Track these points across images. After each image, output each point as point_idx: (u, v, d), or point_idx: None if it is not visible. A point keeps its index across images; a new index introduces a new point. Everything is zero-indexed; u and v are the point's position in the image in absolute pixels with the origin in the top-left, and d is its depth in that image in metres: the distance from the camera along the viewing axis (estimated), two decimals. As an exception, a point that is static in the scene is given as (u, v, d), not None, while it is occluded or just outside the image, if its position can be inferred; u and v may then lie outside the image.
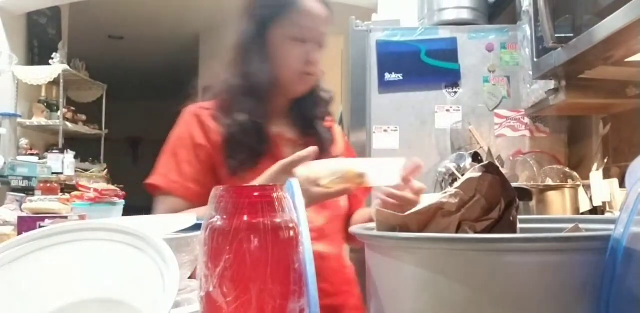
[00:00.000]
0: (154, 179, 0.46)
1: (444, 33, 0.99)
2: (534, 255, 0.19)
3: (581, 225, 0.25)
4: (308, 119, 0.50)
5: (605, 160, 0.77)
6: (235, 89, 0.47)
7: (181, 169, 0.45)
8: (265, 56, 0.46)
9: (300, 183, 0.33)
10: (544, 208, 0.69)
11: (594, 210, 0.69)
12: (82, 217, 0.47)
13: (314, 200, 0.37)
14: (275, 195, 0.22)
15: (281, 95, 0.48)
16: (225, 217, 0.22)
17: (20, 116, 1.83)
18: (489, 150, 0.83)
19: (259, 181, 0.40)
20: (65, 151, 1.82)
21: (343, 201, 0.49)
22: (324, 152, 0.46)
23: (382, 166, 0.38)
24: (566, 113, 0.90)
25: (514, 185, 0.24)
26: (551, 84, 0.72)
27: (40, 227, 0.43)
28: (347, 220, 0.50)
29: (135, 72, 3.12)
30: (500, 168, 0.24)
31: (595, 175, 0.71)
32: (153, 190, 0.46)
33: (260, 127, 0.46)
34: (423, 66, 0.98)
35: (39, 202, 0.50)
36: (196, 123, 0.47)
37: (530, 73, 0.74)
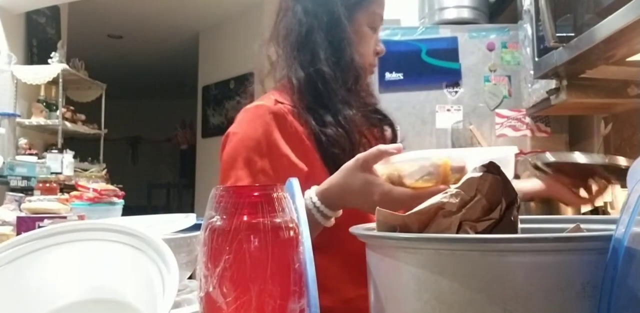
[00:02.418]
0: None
1: (445, 32, 0.99)
2: (535, 255, 0.19)
3: (582, 225, 0.25)
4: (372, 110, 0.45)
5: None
6: (327, 80, 0.41)
7: (258, 181, 0.39)
8: (354, 44, 0.42)
9: (381, 184, 0.29)
10: (545, 208, 0.69)
11: (595, 210, 0.69)
12: (81, 217, 0.47)
13: (398, 204, 0.30)
14: (275, 195, 0.22)
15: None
16: (225, 217, 0.22)
17: (19, 116, 1.82)
18: (489, 150, 0.83)
19: (332, 179, 0.34)
20: (65, 151, 1.81)
21: None
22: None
23: (488, 157, 0.26)
24: (567, 112, 0.90)
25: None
26: (552, 84, 0.72)
27: (39, 227, 0.43)
28: None
29: (134, 72, 3.11)
30: (501, 168, 0.23)
31: (596, 174, 0.71)
32: None
33: (357, 125, 0.42)
34: (423, 65, 0.97)
35: (37, 202, 0.49)
36: (275, 126, 0.40)
37: (531, 72, 0.74)
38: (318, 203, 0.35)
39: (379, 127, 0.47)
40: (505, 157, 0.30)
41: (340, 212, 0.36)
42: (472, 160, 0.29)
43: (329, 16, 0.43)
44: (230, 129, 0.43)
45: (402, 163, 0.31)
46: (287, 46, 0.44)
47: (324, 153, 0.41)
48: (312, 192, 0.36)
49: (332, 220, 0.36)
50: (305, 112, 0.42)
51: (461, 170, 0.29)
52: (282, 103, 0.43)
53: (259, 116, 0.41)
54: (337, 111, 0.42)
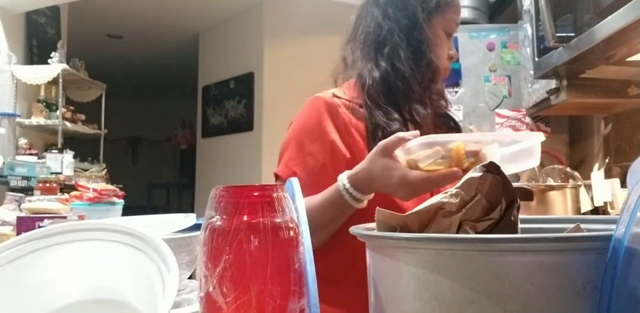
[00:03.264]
0: (279, 170, 0.45)
1: (444, 32, 0.99)
2: (535, 255, 0.19)
3: (582, 225, 0.24)
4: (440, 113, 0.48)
5: (607, 160, 0.77)
6: (406, 78, 0.44)
7: (306, 162, 0.43)
8: (432, 46, 0.46)
9: (398, 168, 0.31)
10: (545, 208, 0.69)
11: (595, 210, 0.69)
12: (81, 217, 0.47)
13: (413, 187, 0.32)
14: (275, 195, 0.22)
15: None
16: (224, 217, 0.22)
17: (19, 116, 1.82)
18: (489, 150, 0.82)
19: (360, 165, 0.37)
20: (65, 151, 1.81)
21: None
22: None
23: (516, 145, 0.27)
24: (567, 112, 0.90)
25: (515, 185, 0.24)
26: (552, 84, 0.72)
27: (39, 227, 0.43)
28: None
29: (134, 72, 3.11)
30: (501, 168, 0.23)
31: (597, 175, 0.71)
32: (277, 178, 0.45)
33: (428, 124, 0.45)
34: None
35: (37, 202, 0.49)
36: (328, 116, 0.44)
37: (531, 72, 0.75)
38: (348, 185, 0.38)
39: (444, 131, 0.49)
40: (531, 147, 0.30)
41: (371, 195, 0.39)
42: (489, 145, 0.29)
43: (409, 19, 0.46)
44: (292, 118, 0.48)
45: (420, 149, 0.32)
46: (365, 47, 0.48)
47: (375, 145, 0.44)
48: (344, 175, 0.39)
49: (364, 203, 0.39)
50: (368, 107, 0.45)
51: (476, 154, 0.30)
52: (338, 97, 0.46)
53: (315, 106, 0.46)
54: (411, 109, 0.45)
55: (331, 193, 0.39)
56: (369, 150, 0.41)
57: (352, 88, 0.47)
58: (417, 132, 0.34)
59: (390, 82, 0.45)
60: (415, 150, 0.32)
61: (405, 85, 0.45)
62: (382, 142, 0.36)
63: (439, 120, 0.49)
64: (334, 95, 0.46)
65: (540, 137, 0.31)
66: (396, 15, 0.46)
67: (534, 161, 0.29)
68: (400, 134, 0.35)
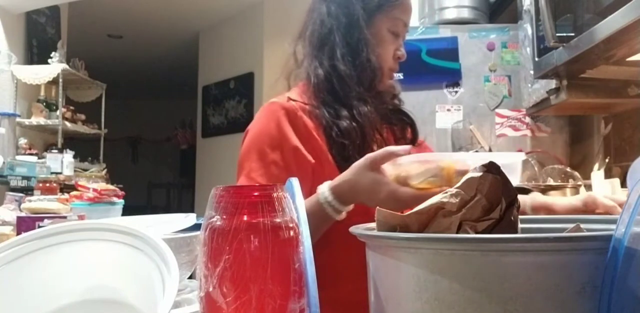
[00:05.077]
0: (241, 182, 0.42)
1: (445, 32, 0.99)
2: (535, 255, 0.19)
3: (582, 225, 0.24)
4: (391, 112, 0.47)
5: (607, 160, 0.77)
6: (343, 77, 0.43)
7: (270, 172, 0.41)
8: (371, 46, 0.44)
9: (387, 183, 0.31)
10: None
11: (595, 210, 0.69)
12: (81, 217, 0.47)
13: (402, 203, 0.32)
14: (275, 194, 0.22)
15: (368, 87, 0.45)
16: (224, 216, 0.22)
17: (19, 115, 1.82)
18: (490, 150, 0.83)
19: (343, 176, 0.36)
20: (65, 151, 1.81)
21: None
22: (415, 145, 0.44)
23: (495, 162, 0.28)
24: (567, 112, 0.90)
25: (515, 184, 0.24)
26: (552, 83, 0.72)
27: (39, 227, 0.43)
28: None
29: (134, 72, 3.11)
30: (501, 168, 0.23)
31: (597, 174, 0.71)
32: None
33: (372, 121, 0.43)
34: (423, 65, 0.97)
35: (38, 202, 0.49)
36: (287, 121, 0.43)
37: (531, 72, 0.75)
38: (330, 197, 0.37)
39: (400, 126, 0.49)
40: (513, 164, 0.31)
41: (351, 206, 0.38)
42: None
43: (348, 18, 0.45)
44: (249, 126, 0.45)
45: (409, 165, 0.32)
46: (310, 45, 0.47)
47: (333, 145, 0.43)
48: (325, 186, 0.38)
49: (343, 214, 0.38)
50: (319, 107, 0.44)
51: (465, 174, 0.30)
52: (295, 100, 0.45)
53: (271, 112, 0.44)
54: (352, 106, 0.44)
55: (309, 204, 0.37)
56: (331, 152, 0.41)
57: (305, 90, 0.45)
58: (408, 147, 0.34)
59: (332, 81, 0.44)
60: (405, 165, 0.32)
61: (344, 84, 0.44)
62: (370, 155, 0.35)
63: (394, 117, 0.48)
64: (289, 99, 0.44)
65: (521, 156, 0.32)
66: (337, 13, 0.45)
67: (514, 179, 0.29)
68: (390, 149, 0.34)
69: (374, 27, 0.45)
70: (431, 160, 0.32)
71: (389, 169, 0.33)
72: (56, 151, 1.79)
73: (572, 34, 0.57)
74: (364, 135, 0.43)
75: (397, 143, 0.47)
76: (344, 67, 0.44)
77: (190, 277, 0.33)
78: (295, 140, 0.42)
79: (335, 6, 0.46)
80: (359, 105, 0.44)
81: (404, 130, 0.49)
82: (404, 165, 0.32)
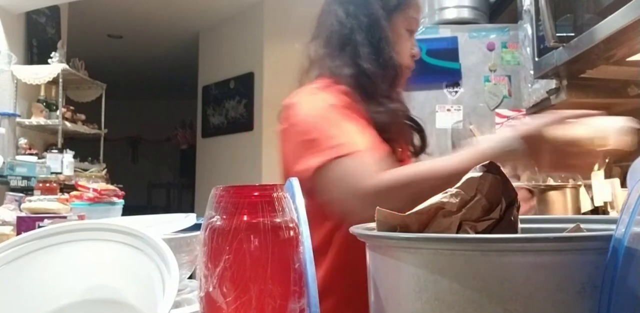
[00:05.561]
0: (346, 149, 0.38)
1: (445, 32, 0.99)
2: (535, 255, 0.19)
3: (582, 225, 0.24)
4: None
5: (607, 160, 0.77)
6: (369, 75, 0.44)
7: (365, 132, 0.40)
8: (391, 44, 0.46)
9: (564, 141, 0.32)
10: (545, 208, 0.68)
11: (596, 210, 0.69)
12: (81, 217, 0.47)
13: (576, 160, 0.34)
14: (275, 194, 0.22)
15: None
16: (224, 216, 0.22)
17: (19, 115, 1.82)
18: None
19: (527, 131, 0.36)
20: (65, 151, 1.81)
21: None
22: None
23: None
24: (567, 112, 0.90)
25: (515, 184, 0.24)
26: (552, 83, 0.72)
27: (39, 227, 0.43)
28: None
29: (134, 72, 3.11)
30: (501, 168, 0.24)
31: (597, 175, 0.71)
32: (321, 168, 0.38)
33: (401, 117, 0.46)
34: (424, 65, 0.97)
35: (38, 202, 0.50)
36: (349, 98, 0.43)
37: (531, 72, 0.74)
38: (521, 146, 0.36)
39: (409, 132, 0.50)
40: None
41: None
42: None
43: (369, 18, 0.46)
44: (292, 100, 0.44)
45: (601, 126, 0.35)
46: (327, 46, 0.47)
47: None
48: (511, 134, 0.37)
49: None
50: (362, 99, 0.45)
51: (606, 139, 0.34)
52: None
53: (327, 86, 0.44)
54: (380, 103, 0.45)
55: (471, 156, 0.35)
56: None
57: (329, 85, 0.45)
58: (581, 111, 0.35)
59: (358, 79, 0.45)
60: (598, 127, 0.34)
61: (371, 82, 0.45)
62: (562, 113, 0.36)
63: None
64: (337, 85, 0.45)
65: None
66: (357, 13, 0.46)
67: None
68: (586, 112, 0.35)
69: (393, 26, 0.47)
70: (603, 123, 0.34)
71: (558, 132, 0.35)
72: (56, 151, 1.79)
73: (572, 34, 0.57)
74: (399, 130, 0.44)
75: (404, 150, 0.48)
76: (369, 65, 0.45)
77: (190, 277, 0.33)
78: (358, 113, 0.42)
79: (354, 7, 0.46)
80: (387, 102, 0.45)
81: (412, 136, 0.50)
82: (571, 128, 0.34)
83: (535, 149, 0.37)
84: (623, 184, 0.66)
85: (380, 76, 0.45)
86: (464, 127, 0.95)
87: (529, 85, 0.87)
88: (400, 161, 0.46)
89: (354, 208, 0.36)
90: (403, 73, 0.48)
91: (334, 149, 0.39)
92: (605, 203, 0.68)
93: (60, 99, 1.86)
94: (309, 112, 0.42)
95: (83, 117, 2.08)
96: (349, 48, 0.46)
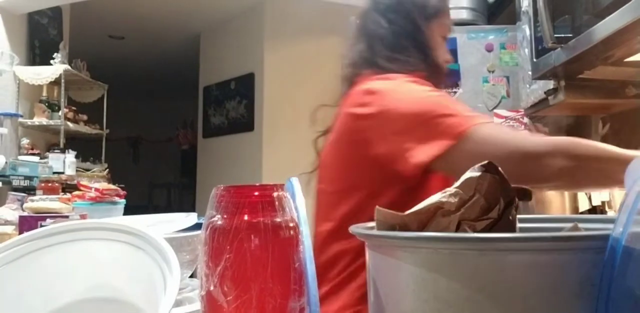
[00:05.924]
0: (470, 122, 0.38)
1: (444, 33, 0.99)
2: (533, 255, 0.19)
3: (580, 225, 0.25)
4: None
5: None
6: (423, 77, 0.46)
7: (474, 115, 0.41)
8: (434, 50, 0.49)
9: None
10: (543, 208, 0.68)
11: (593, 210, 0.69)
12: (83, 217, 0.48)
13: None
14: (275, 194, 0.22)
15: None
16: (225, 216, 0.22)
17: (21, 116, 1.82)
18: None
19: None
20: (67, 151, 1.81)
21: None
22: None
23: None
24: (565, 113, 0.90)
25: (513, 184, 0.24)
26: (550, 84, 0.72)
27: (41, 226, 0.43)
28: None
29: (136, 72, 3.12)
30: (499, 168, 0.24)
31: (596, 175, 0.70)
32: (465, 133, 0.38)
33: None
34: (423, 66, 0.97)
35: (40, 202, 0.50)
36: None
37: (530, 73, 0.74)
38: None
39: None
40: None
41: None
42: None
43: (412, 24, 0.49)
44: (376, 86, 0.44)
45: None
46: (374, 51, 0.49)
47: None
48: None
49: None
50: None
51: None
52: None
53: (414, 80, 0.45)
54: None
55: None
56: None
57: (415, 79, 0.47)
58: None
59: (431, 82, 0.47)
60: None
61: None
62: None
63: None
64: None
65: None
66: (399, 21, 0.49)
67: None
68: None
69: (431, 33, 0.50)
70: None
71: None
72: (58, 151, 1.80)
73: (570, 35, 0.57)
74: None
75: None
76: (419, 67, 0.48)
77: (192, 276, 0.34)
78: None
79: (395, 15, 0.49)
80: None
81: None
82: None
83: None
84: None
85: (428, 79, 0.47)
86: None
87: (527, 86, 0.88)
88: None
89: (515, 167, 0.35)
90: (444, 77, 0.50)
91: (473, 117, 0.40)
92: (603, 202, 0.68)
93: (62, 100, 1.86)
94: (419, 95, 0.42)
95: (85, 117, 2.09)
96: (396, 54, 0.48)
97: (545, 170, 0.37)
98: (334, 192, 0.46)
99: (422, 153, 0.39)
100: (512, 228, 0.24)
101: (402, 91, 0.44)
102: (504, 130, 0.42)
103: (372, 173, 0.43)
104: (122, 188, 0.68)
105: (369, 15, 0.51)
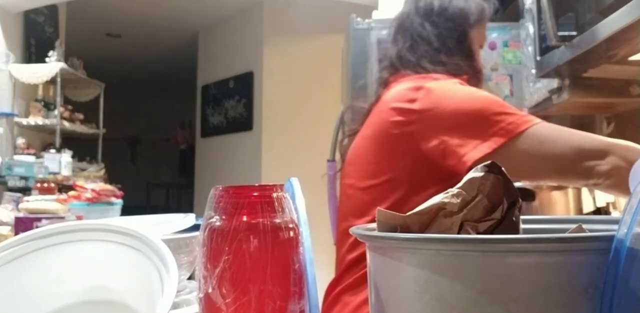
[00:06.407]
0: (525, 121, 0.42)
1: (445, 31, 0.99)
2: (536, 256, 0.19)
3: (584, 226, 0.24)
4: None
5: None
6: (467, 80, 0.48)
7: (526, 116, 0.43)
8: (475, 56, 0.51)
9: None
10: (547, 209, 0.68)
11: (598, 211, 0.68)
12: (79, 217, 0.47)
13: None
14: (274, 195, 0.22)
15: None
16: (224, 217, 0.21)
17: (17, 115, 1.81)
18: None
19: None
20: (63, 150, 1.81)
21: None
22: None
23: None
24: (569, 112, 0.90)
25: (516, 185, 0.24)
26: (554, 83, 0.72)
27: (37, 227, 0.42)
28: None
29: (133, 71, 3.11)
30: (503, 168, 0.23)
31: (597, 174, 0.70)
32: (522, 129, 0.41)
33: None
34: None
35: (35, 202, 0.49)
36: None
37: (533, 71, 0.74)
38: None
39: None
40: None
41: None
42: None
43: (457, 30, 0.51)
44: (427, 85, 0.45)
45: None
46: (417, 53, 0.50)
47: None
48: None
49: None
50: None
51: None
52: None
53: (461, 82, 0.47)
54: None
55: None
56: None
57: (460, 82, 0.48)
58: None
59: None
60: None
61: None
62: None
63: None
64: None
65: None
66: (444, 24, 0.51)
67: None
68: None
69: (472, 40, 0.52)
70: None
71: None
72: (54, 151, 1.79)
73: (574, 33, 0.56)
74: None
75: None
76: (465, 71, 0.50)
77: (190, 278, 0.33)
78: None
79: (440, 19, 0.50)
80: None
81: None
82: None
83: None
84: (623, 184, 0.65)
85: (471, 82, 0.49)
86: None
87: (531, 84, 0.87)
88: None
89: (572, 164, 0.38)
90: (482, 83, 0.52)
91: (529, 117, 0.42)
92: (608, 203, 0.68)
93: (58, 99, 1.85)
94: (472, 93, 0.45)
95: (81, 116, 2.08)
96: (442, 57, 0.49)
97: (599, 167, 0.38)
98: (370, 187, 0.46)
99: (477, 149, 0.40)
100: (516, 230, 0.24)
101: (454, 89, 0.45)
102: (562, 128, 0.43)
103: (416, 168, 0.44)
104: (119, 189, 0.68)
105: (411, 18, 0.51)
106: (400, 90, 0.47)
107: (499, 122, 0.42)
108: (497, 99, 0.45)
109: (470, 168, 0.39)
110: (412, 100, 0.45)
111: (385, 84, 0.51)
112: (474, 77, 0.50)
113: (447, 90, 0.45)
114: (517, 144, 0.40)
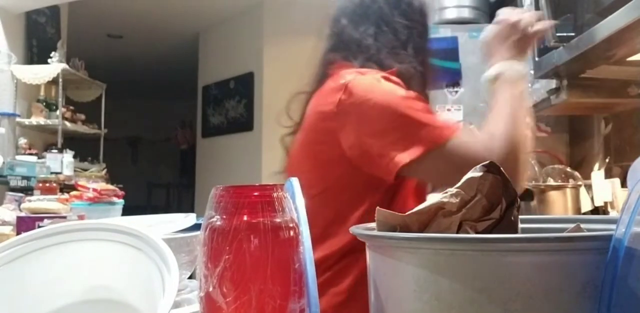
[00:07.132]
0: (445, 132, 0.40)
1: (445, 32, 0.99)
2: (535, 255, 0.19)
3: (582, 225, 0.24)
4: None
5: (607, 160, 0.77)
6: (420, 73, 0.48)
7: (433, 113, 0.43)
8: (429, 55, 0.52)
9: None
10: (546, 208, 0.69)
11: (596, 210, 0.69)
12: (81, 217, 0.47)
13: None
14: (275, 194, 0.22)
15: None
16: (224, 216, 0.22)
17: (19, 115, 1.82)
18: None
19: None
20: (64, 150, 1.81)
21: None
22: None
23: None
24: (567, 112, 0.90)
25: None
26: (552, 83, 0.72)
27: (39, 227, 0.42)
28: None
29: (134, 71, 3.11)
30: (501, 168, 0.24)
31: (597, 174, 0.71)
32: (445, 141, 0.39)
33: None
34: (423, 65, 0.97)
35: (37, 202, 0.50)
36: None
37: (532, 72, 0.74)
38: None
39: None
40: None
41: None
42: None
43: (422, 26, 0.52)
44: (358, 84, 0.43)
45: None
46: (383, 41, 0.48)
47: None
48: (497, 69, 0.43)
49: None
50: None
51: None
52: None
53: (387, 78, 0.44)
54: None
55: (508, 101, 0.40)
56: None
57: (388, 77, 0.45)
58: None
59: (410, 76, 0.47)
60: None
61: (419, 82, 0.48)
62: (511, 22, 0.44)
63: None
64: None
65: None
66: (411, 17, 0.50)
67: None
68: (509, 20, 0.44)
69: (427, 39, 0.52)
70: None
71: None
72: (56, 151, 1.79)
73: (573, 34, 0.57)
74: None
75: None
76: (419, 64, 0.48)
77: (190, 277, 0.33)
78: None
79: (410, 10, 0.50)
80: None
81: None
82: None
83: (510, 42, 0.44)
84: (623, 184, 0.66)
85: (424, 76, 0.48)
86: (464, 127, 0.95)
87: (529, 85, 0.87)
88: None
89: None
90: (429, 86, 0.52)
91: (447, 125, 0.41)
92: (606, 203, 0.68)
93: (60, 99, 1.86)
94: (394, 98, 0.42)
95: (83, 117, 2.08)
96: (407, 49, 0.48)
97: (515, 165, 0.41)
98: (313, 196, 0.43)
99: (399, 158, 0.39)
100: (514, 229, 0.24)
101: (376, 92, 0.42)
102: (475, 139, 0.42)
103: (351, 177, 0.42)
104: (120, 189, 0.68)
105: (378, 2, 0.49)
106: (326, 89, 0.44)
107: (417, 131, 0.40)
108: (416, 103, 0.42)
109: (392, 178, 0.38)
110: (334, 104, 0.42)
111: (327, 73, 0.47)
112: (422, 79, 0.48)
113: (369, 92, 0.42)
114: (437, 153, 0.39)
